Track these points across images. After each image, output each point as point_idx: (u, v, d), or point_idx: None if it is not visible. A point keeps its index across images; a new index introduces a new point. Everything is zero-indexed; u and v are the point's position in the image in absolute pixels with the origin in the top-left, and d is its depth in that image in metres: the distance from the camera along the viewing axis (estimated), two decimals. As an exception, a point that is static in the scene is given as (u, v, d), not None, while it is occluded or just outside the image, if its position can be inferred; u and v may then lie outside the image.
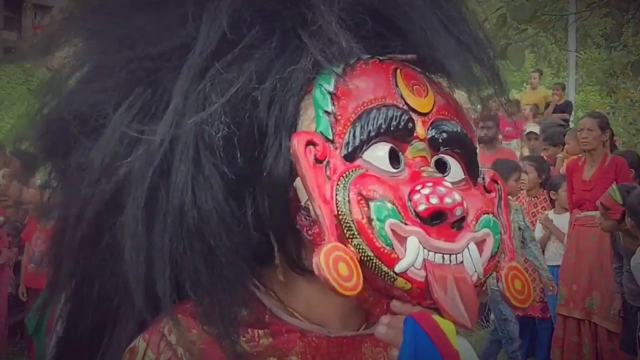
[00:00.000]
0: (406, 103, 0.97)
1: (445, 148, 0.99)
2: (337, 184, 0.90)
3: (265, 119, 0.95)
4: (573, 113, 10.81)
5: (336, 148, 0.93)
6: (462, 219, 0.92)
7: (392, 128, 0.95)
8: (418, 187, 0.91)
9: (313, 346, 0.99)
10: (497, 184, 1.06)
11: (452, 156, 1.00)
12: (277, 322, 0.99)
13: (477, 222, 0.96)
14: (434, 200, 0.90)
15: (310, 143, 0.92)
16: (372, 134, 0.94)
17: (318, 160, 0.92)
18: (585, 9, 6.04)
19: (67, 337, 1.15)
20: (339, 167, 0.92)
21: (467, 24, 1.07)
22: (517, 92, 12.34)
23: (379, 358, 1.03)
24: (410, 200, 0.91)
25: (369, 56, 0.99)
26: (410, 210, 0.90)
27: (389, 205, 0.90)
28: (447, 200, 0.89)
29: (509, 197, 2.42)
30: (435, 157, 0.99)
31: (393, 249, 0.88)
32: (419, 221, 0.90)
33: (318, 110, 0.95)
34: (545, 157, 6.99)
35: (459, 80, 1.04)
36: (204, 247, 0.94)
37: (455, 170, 1.00)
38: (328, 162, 0.92)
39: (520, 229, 5.00)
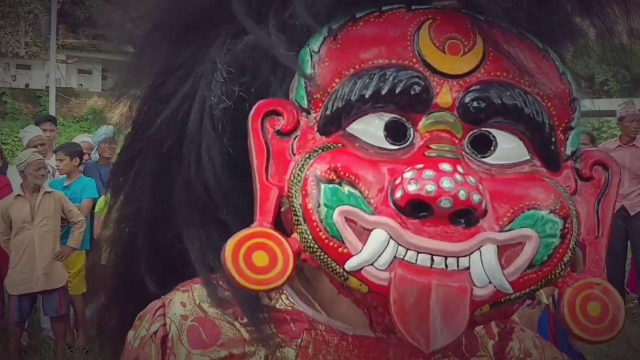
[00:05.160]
0: (425, 62, 0.77)
1: (494, 120, 0.77)
2: (299, 162, 0.76)
3: (270, 84, 0.84)
4: None
5: (313, 119, 0.79)
6: (469, 213, 0.71)
7: (384, 93, 0.75)
8: (407, 170, 0.72)
9: (320, 341, 0.86)
10: (607, 170, 0.82)
11: (510, 132, 0.78)
12: (286, 309, 0.88)
13: (513, 219, 0.73)
14: (411, 187, 0.70)
15: (272, 112, 0.79)
16: (355, 100, 0.76)
17: (281, 133, 0.79)
18: None
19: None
20: (309, 142, 0.78)
21: None
22: None
23: None
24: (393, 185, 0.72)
25: (397, 6, 0.80)
26: (390, 198, 0.72)
27: (348, 189, 0.72)
28: (429, 187, 0.69)
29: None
30: (475, 132, 0.78)
31: (342, 241, 0.72)
32: (396, 211, 0.71)
33: (299, 76, 0.80)
34: None
35: (493, 15, 0.77)
36: (217, 221, 0.89)
37: (509, 149, 0.78)
38: (297, 135, 0.78)
39: None
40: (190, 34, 0.90)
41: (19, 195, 5.60)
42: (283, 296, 0.89)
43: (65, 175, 6.34)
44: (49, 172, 6.22)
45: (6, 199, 5.68)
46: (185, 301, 0.90)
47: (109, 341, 1.10)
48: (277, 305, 0.88)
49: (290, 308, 0.88)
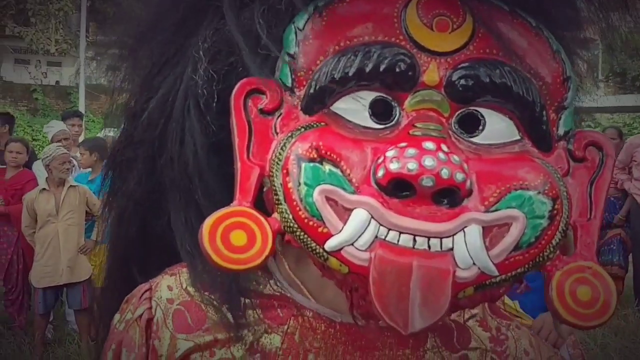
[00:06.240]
0: (412, 39, 0.75)
1: (483, 99, 0.75)
2: (281, 141, 0.74)
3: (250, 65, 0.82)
4: None
5: (297, 98, 0.77)
6: (453, 192, 0.69)
7: (368, 70, 0.73)
8: (389, 148, 0.70)
9: (307, 328, 0.85)
10: (601, 151, 0.79)
11: (500, 111, 0.76)
12: (274, 294, 0.87)
13: (499, 199, 0.71)
14: (393, 166, 0.68)
15: (255, 91, 0.77)
16: (339, 78, 0.74)
17: (264, 112, 0.77)
18: None
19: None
20: (292, 121, 0.76)
21: None
22: None
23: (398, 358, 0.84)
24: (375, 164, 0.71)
25: None
26: (372, 177, 0.70)
27: (329, 167, 0.71)
28: (410, 165, 0.67)
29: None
30: (463, 111, 0.75)
31: (322, 221, 0.70)
32: (378, 191, 0.69)
33: (284, 54, 0.78)
34: None
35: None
36: (196, 204, 0.87)
37: (498, 128, 0.76)
38: (280, 114, 0.76)
39: None
40: (184, 22, 0.89)
41: (44, 189, 5.66)
42: (271, 281, 0.87)
43: (90, 169, 6.40)
44: (73, 166, 6.28)
45: (31, 193, 5.74)
46: (172, 285, 0.89)
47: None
48: (265, 291, 0.87)
49: (278, 294, 0.87)
